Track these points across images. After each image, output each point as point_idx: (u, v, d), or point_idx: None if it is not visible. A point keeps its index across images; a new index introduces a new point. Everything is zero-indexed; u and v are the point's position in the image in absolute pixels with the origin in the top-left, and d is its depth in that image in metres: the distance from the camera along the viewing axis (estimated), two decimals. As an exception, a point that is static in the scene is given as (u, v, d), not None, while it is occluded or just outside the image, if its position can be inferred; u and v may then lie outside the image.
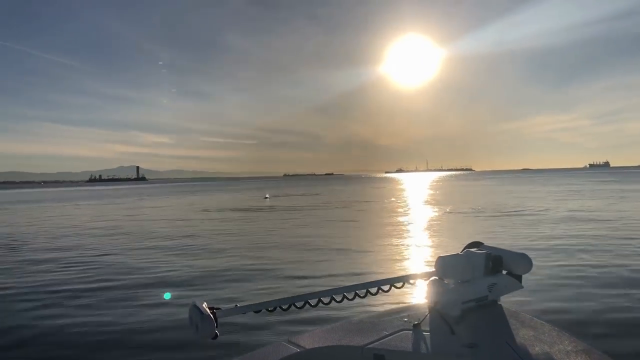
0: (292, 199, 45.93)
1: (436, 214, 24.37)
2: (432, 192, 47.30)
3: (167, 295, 8.69)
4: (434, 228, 18.22)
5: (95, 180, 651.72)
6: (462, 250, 2.81)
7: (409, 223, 20.29)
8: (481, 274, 2.64)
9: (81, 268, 12.09)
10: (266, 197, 45.60)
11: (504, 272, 2.74)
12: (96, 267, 12.14)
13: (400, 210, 27.91)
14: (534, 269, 2.76)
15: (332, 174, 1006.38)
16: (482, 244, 2.87)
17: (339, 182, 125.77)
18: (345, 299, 2.56)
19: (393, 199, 38.93)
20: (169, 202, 48.94)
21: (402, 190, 50.61)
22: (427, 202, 33.19)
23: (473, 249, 2.78)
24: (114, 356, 6.04)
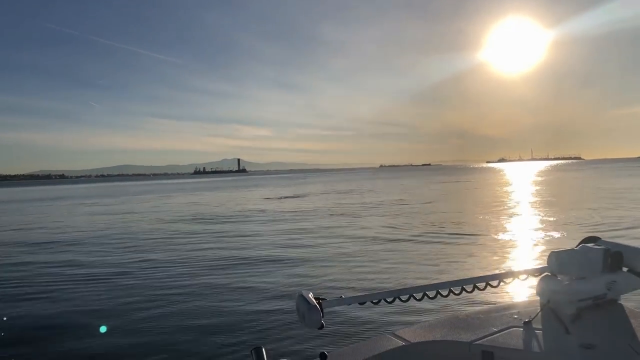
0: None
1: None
2: (541, 188, 39.32)
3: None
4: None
5: (200, 172, 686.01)
6: (578, 245, 2.66)
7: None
8: (599, 270, 2.49)
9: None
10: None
11: (625, 269, 2.56)
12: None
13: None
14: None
15: (429, 164, 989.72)
16: (599, 239, 2.70)
17: (435, 173, 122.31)
18: (451, 294, 2.49)
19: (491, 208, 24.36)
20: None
21: (504, 185, 46.98)
22: (539, 212, 20.83)
23: (589, 244, 2.62)
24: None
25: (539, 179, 57.39)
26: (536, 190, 35.45)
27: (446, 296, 2.47)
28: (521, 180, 56.67)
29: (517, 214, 20.27)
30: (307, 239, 15.50)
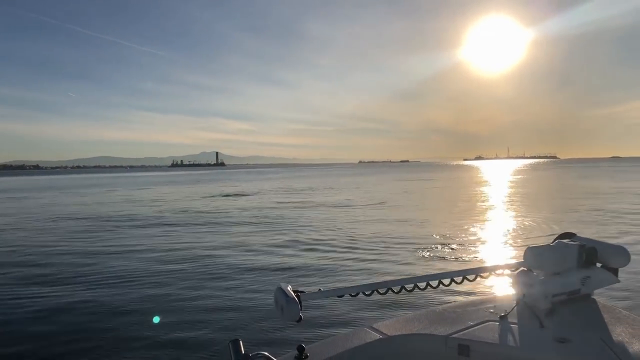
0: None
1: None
2: (517, 190, 36.04)
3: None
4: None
5: (177, 165, 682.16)
6: (553, 241, 2.70)
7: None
8: (574, 266, 2.54)
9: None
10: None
11: (599, 265, 2.62)
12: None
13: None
14: (632, 263, 2.62)
15: (407, 161, 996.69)
16: (574, 235, 2.75)
17: (407, 170, 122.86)
18: (429, 287, 2.52)
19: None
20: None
21: (479, 184, 45.33)
22: (513, 210, 20.62)
23: (565, 240, 2.66)
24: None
25: (505, 178, 57.95)
26: (491, 190, 34.76)
27: (424, 289, 2.49)
28: (489, 178, 57.25)
29: (463, 222, 16.59)
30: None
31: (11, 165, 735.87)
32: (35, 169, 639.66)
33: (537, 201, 24.64)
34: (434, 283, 2.53)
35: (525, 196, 28.42)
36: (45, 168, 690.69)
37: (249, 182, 63.91)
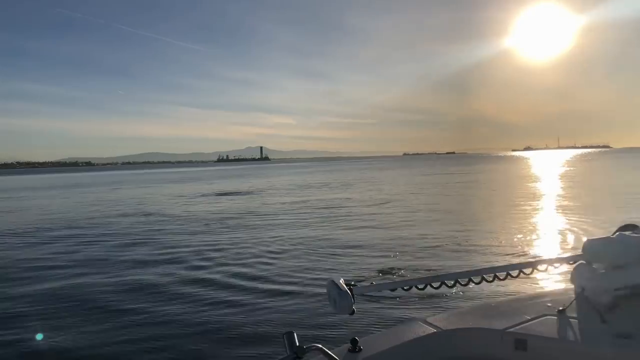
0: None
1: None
2: (566, 183, 32.58)
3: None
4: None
5: (223, 160, 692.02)
6: (614, 233, 2.60)
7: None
8: (637, 259, 2.43)
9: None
10: None
11: None
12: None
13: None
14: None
15: (454, 152, 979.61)
16: (637, 226, 2.63)
17: (451, 162, 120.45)
18: (483, 281, 2.49)
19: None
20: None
21: (530, 178, 40.86)
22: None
23: (627, 232, 2.56)
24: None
25: (563, 169, 55.84)
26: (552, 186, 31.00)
27: (478, 283, 2.47)
28: (537, 170, 54.63)
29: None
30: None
31: (65, 163, 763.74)
32: (88, 165, 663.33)
33: (590, 194, 23.43)
34: (489, 277, 2.49)
35: (577, 189, 27.03)
36: (97, 165, 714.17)
37: (271, 177, 63.45)
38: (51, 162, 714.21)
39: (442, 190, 30.45)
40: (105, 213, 22.68)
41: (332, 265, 9.98)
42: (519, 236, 12.57)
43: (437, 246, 11.47)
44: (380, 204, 22.84)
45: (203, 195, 32.88)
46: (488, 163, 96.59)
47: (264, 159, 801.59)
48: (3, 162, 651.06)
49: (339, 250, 11.51)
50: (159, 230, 16.33)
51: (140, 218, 20.19)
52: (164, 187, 47.69)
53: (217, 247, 12.67)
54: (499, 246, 11.35)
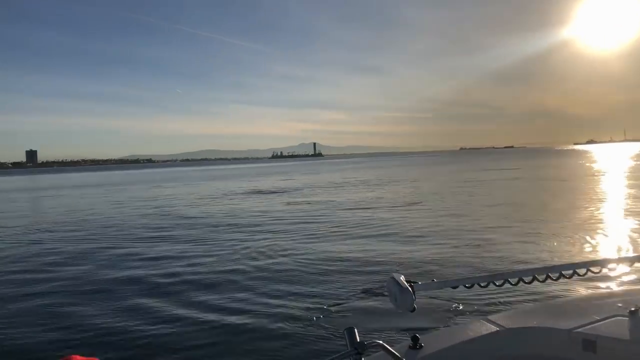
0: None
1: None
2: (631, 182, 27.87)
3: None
4: None
5: (277, 157, 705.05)
6: None
7: None
8: None
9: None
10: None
11: None
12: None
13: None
14: None
15: (512, 146, 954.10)
16: None
17: (507, 157, 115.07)
18: (549, 279, 2.34)
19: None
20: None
21: (596, 174, 35.94)
22: None
23: None
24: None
25: (633, 163, 50.92)
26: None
27: (543, 281, 2.33)
28: (608, 166, 48.64)
29: None
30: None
31: (127, 160, 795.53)
32: (149, 162, 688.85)
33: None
34: (555, 275, 2.38)
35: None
36: (157, 162, 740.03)
37: (316, 174, 62.39)
38: (114, 160, 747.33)
39: (479, 190, 26.70)
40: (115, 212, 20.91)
41: (298, 291, 8.33)
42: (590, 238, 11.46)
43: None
44: (410, 204, 20.46)
45: (226, 195, 30.86)
46: (548, 157, 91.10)
47: (317, 155, 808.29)
48: (70, 160, 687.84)
49: (319, 267, 9.82)
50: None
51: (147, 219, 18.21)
52: (200, 185, 47.12)
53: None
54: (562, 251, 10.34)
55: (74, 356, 1.41)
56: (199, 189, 39.60)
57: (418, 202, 21.06)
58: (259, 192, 33.14)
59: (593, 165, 53.64)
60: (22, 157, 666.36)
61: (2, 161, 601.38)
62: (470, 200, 21.34)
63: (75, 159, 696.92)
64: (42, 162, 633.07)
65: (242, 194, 32.18)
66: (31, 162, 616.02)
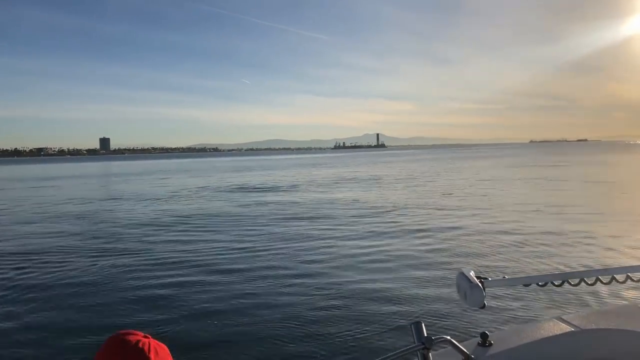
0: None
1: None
2: None
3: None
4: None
5: (340, 147, 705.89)
6: None
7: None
8: None
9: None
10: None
11: None
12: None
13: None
14: None
15: (586, 140, 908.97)
16: None
17: (576, 151, 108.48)
18: (629, 280, 2.24)
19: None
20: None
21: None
22: None
23: None
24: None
25: None
26: None
27: (623, 282, 2.24)
28: None
29: None
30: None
31: (195, 148, 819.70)
32: (215, 151, 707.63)
33: None
34: (636, 276, 2.28)
35: None
36: (223, 151, 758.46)
37: (358, 165, 60.43)
38: (181, 148, 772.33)
39: (509, 191, 23.52)
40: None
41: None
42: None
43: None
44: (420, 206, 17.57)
45: (226, 191, 29.02)
46: (623, 153, 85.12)
47: (380, 146, 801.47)
48: (141, 148, 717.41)
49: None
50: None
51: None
52: (232, 175, 46.84)
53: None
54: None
55: (134, 331, 1.37)
56: (223, 182, 38.34)
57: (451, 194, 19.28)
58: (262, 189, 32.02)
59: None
60: (95, 145, 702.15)
61: (78, 148, 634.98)
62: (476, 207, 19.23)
63: (146, 147, 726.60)
64: (114, 150, 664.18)
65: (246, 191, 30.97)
66: (104, 150, 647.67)
